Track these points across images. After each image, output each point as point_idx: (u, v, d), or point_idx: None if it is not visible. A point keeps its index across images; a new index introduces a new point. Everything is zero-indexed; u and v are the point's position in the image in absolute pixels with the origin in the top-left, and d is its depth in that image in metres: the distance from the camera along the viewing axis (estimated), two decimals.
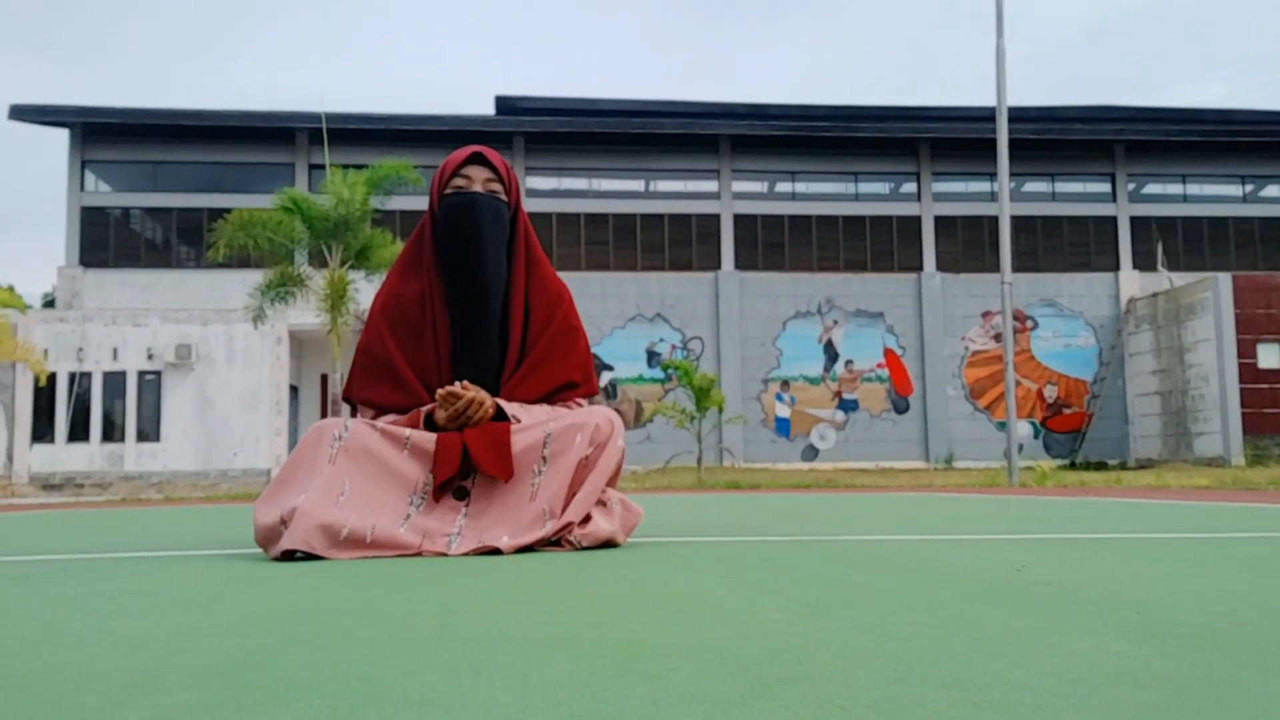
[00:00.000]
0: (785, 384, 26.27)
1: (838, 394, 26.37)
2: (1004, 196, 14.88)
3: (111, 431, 22.28)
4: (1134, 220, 27.94)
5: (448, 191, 2.77)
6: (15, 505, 12.53)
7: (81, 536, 3.91)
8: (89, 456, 22.11)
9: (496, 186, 2.78)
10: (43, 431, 22.10)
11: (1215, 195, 28.60)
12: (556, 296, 2.87)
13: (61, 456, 22.01)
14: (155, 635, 1.29)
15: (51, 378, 21.70)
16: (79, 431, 22.15)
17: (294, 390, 24.41)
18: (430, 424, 2.62)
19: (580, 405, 2.84)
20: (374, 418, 2.75)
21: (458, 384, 2.62)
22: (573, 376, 2.82)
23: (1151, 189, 28.57)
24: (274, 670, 1.02)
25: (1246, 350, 23.58)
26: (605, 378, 25.47)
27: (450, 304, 2.75)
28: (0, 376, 21.88)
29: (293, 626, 1.33)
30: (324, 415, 24.24)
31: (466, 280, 2.74)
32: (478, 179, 2.76)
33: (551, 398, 2.79)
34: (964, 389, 26.65)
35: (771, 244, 27.08)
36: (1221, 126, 28.25)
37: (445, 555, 2.40)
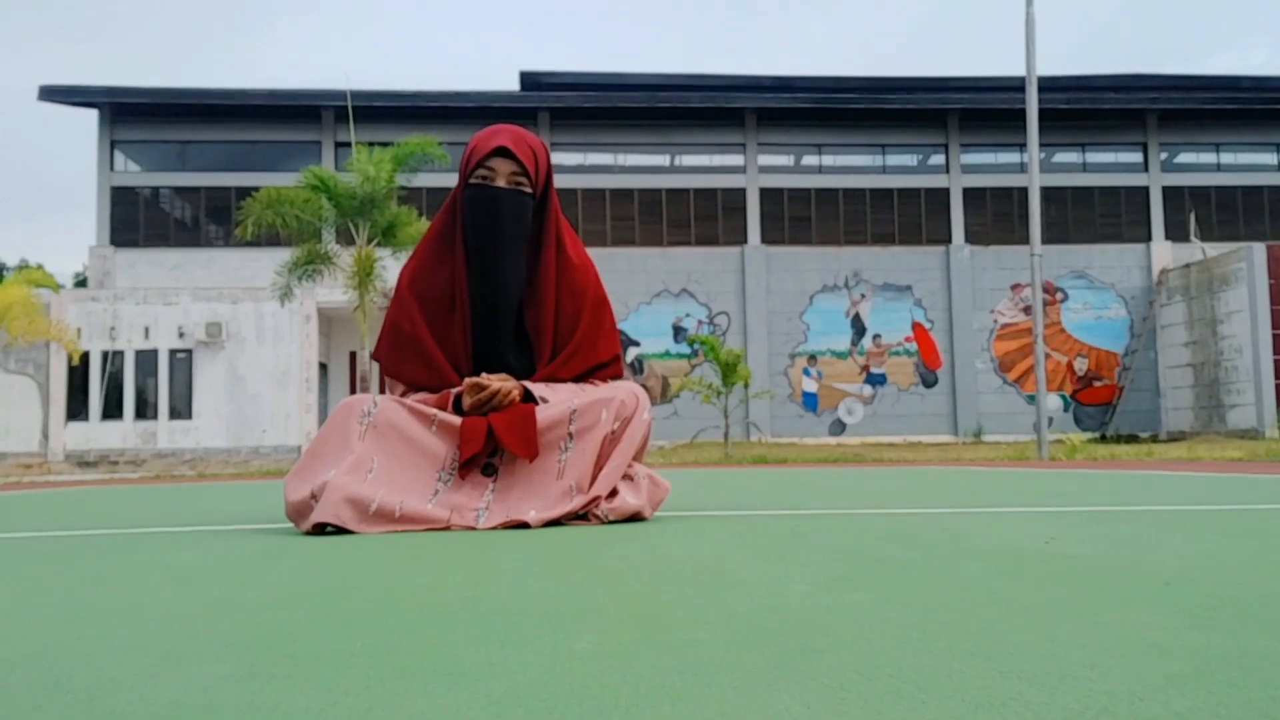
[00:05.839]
0: (812, 358, 26.18)
1: (865, 368, 26.25)
2: (1034, 167, 14.72)
3: (144, 409, 22.52)
4: (1166, 190, 27.56)
5: (472, 182, 2.75)
6: (51, 482, 12.71)
7: (115, 512, 3.96)
8: (123, 434, 22.37)
9: (521, 179, 2.74)
10: (77, 409, 22.38)
11: (1249, 164, 28.15)
12: (584, 275, 2.86)
13: (96, 434, 22.29)
14: (188, 608, 1.30)
15: (84, 356, 21.96)
16: (112, 409, 22.41)
17: (323, 367, 24.58)
18: (459, 407, 2.64)
19: (607, 382, 2.86)
20: (403, 394, 2.77)
21: (484, 375, 2.64)
22: (603, 358, 2.84)
23: (1184, 158, 28.15)
24: (305, 642, 1.03)
25: None
26: (631, 353, 25.46)
27: (471, 292, 2.76)
28: (34, 355, 22.16)
29: (323, 599, 1.34)
30: (353, 392, 24.39)
31: (484, 276, 2.74)
32: (502, 173, 2.73)
33: (584, 378, 2.81)
34: (993, 362, 26.46)
35: (798, 218, 26.92)
36: (1256, 94, 27.77)
37: (473, 529, 2.42)
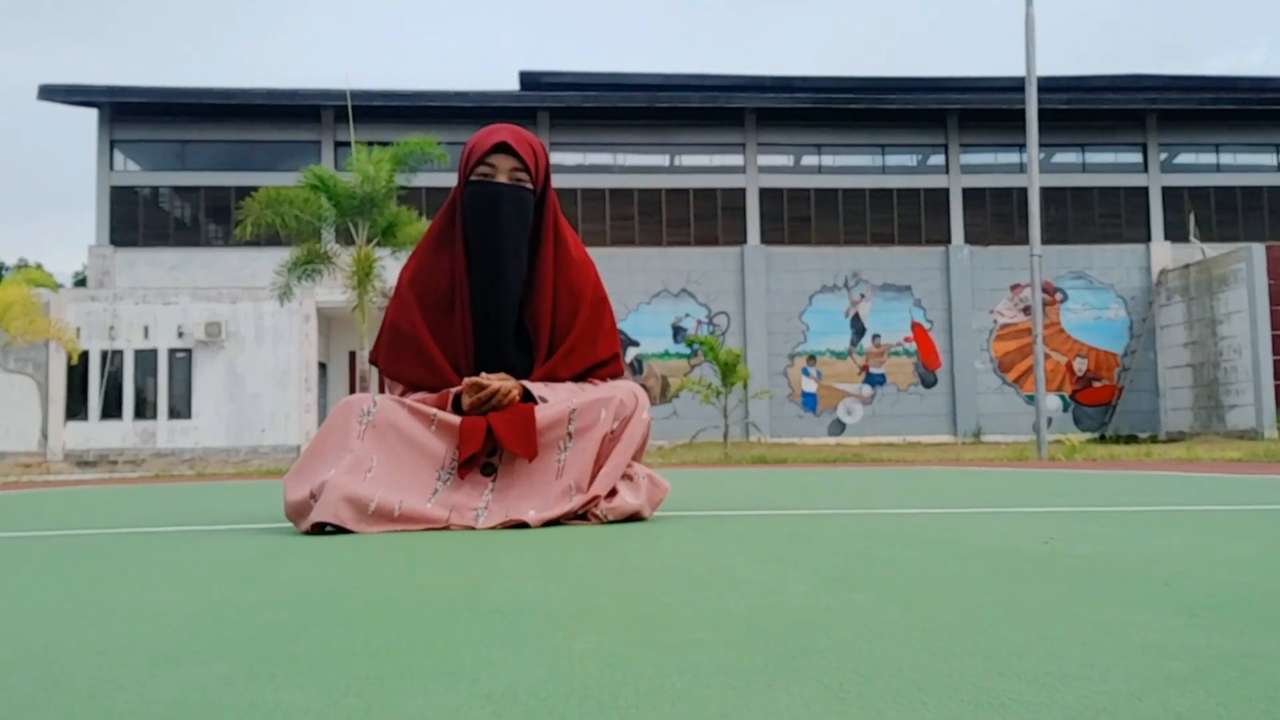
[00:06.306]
0: (812, 358, 26.18)
1: (865, 368, 26.26)
2: (1033, 168, 14.72)
3: (144, 409, 22.52)
4: (1166, 190, 27.57)
5: (473, 179, 2.75)
6: (50, 481, 12.71)
7: (115, 512, 3.96)
8: (122, 433, 22.37)
9: (522, 175, 2.75)
10: (76, 409, 22.38)
11: (1249, 164, 28.16)
12: (583, 274, 2.86)
13: (95, 433, 22.28)
14: (188, 608, 1.30)
15: (84, 356, 21.95)
16: (112, 409, 22.40)
17: (322, 367, 24.58)
18: (458, 406, 2.64)
19: (606, 382, 2.85)
20: (402, 394, 2.77)
21: (483, 374, 2.64)
22: (603, 356, 2.83)
23: (1184, 158, 28.15)
24: (305, 641, 1.03)
25: None
26: (631, 353, 25.46)
27: (472, 290, 2.76)
28: (34, 355, 22.15)
29: (323, 599, 1.34)
30: (352, 392, 24.38)
31: (487, 272, 2.74)
32: (503, 168, 2.73)
33: (583, 377, 2.80)
34: (992, 362, 26.47)
35: (798, 218, 26.92)
36: (1255, 94, 27.77)
37: (473, 529, 2.41)
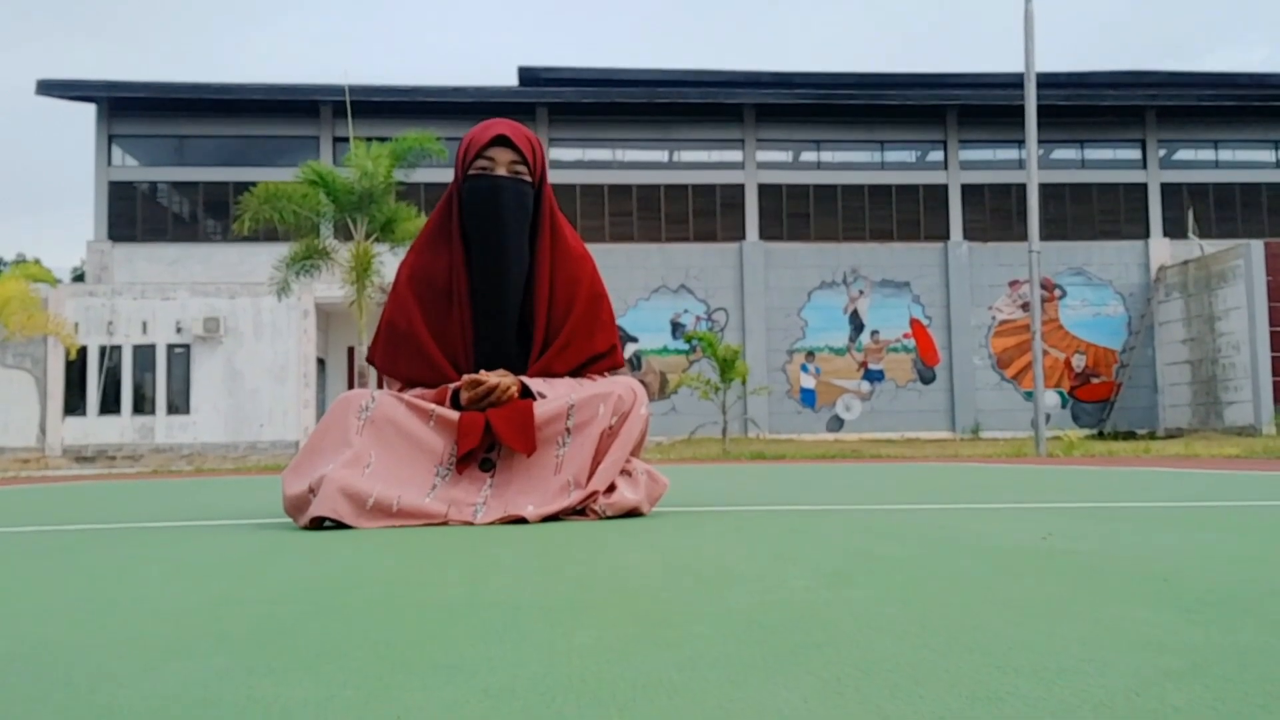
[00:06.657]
0: (810, 355, 26.18)
1: (863, 364, 26.26)
2: (1032, 164, 14.72)
3: (142, 404, 22.50)
4: (1165, 187, 27.57)
5: (472, 172, 2.75)
6: (48, 477, 12.70)
7: (114, 507, 3.96)
8: (120, 429, 22.35)
9: (521, 168, 2.75)
10: (74, 404, 22.36)
11: (1248, 161, 28.15)
12: (580, 267, 2.86)
13: (93, 429, 22.27)
14: (187, 603, 1.30)
15: (82, 351, 21.93)
16: (110, 404, 22.38)
17: (321, 363, 24.56)
18: (457, 402, 2.64)
19: (605, 375, 2.85)
20: (400, 390, 2.77)
21: (481, 371, 2.63)
22: (600, 349, 2.83)
23: (1183, 155, 28.15)
24: (304, 636, 1.03)
25: (1278, 318, 23.28)
26: (630, 349, 25.45)
27: (473, 284, 2.76)
28: (32, 350, 22.13)
29: (321, 594, 1.34)
30: (350, 387, 24.38)
31: (489, 266, 2.74)
32: (502, 161, 2.73)
33: (580, 371, 2.80)
34: (991, 359, 26.48)
35: (796, 214, 26.92)
36: (1255, 91, 27.77)
37: (471, 524, 2.41)
